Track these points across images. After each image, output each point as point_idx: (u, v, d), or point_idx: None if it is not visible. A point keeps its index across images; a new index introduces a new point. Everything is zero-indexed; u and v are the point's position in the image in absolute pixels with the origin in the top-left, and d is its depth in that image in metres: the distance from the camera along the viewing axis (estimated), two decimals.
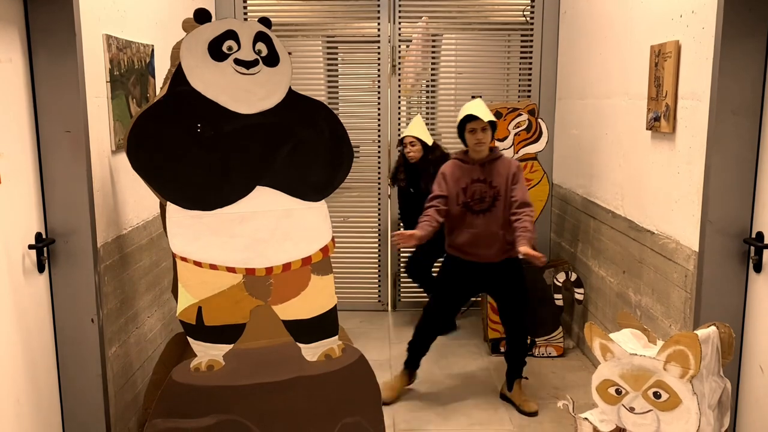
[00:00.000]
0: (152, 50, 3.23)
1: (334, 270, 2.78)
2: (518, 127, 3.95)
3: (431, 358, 3.91)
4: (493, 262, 3.38)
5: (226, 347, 2.71)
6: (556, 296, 4.05)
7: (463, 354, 4.21)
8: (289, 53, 2.63)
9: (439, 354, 4.13)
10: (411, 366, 3.65)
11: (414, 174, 4.30)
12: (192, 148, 2.51)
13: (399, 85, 4.78)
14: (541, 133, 3.97)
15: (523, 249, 3.08)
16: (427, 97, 5.11)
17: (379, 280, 4.97)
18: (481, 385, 3.77)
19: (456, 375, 3.90)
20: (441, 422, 3.36)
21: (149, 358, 3.23)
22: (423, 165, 4.23)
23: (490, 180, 3.31)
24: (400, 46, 4.74)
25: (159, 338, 3.38)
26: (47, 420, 2.55)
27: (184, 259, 2.59)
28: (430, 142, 4.29)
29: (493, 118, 3.36)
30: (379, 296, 5.00)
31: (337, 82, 4.98)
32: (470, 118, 3.28)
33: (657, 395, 2.10)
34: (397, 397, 3.54)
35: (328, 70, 4.94)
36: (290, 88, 2.61)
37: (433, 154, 4.22)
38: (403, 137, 4.30)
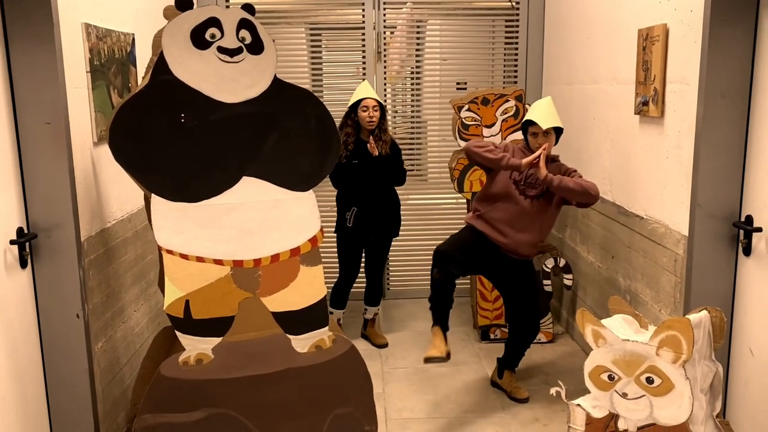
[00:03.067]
0: (133, 39, 3.16)
1: (323, 260, 2.75)
2: (506, 113, 3.93)
3: (421, 346, 3.91)
4: (511, 256, 3.29)
5: (215, 340, 2.68)
6: (545, 282, 4.05)
7: (452, 341, 4.17)
8: (273, 41, 2.58)
9: (429, 342, 4.10)
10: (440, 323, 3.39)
11: (363, 143, 3.90)
12: (176, 138, 2.46)
13: (385, 72, 4.73)
14: None
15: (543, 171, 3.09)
16: (412, 83, 5.06)
17: None
18: (471, 372, 3.77)
19: (446, 363, 3.89)
20: (432, 410, 3.35)
21: (137, 352, 3.19)
22: (378, 131, 3.90)
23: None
24: (385, 33, 4.69)
25: (146, 332, 3.33)
26: (34, 418, 2.51)
27: (170, 251, 2.55)
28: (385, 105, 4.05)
29: (558, 124, 3.21)
30: None
31: (321, 69, 4.91)
32: (531, 122, 3.20)
33: (650, 380, 2.10)
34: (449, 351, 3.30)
35: (312, 58, 4.88)
36: (276, 76, 2.56)
37: (384, 119, 3.96)
38: (360, 101, 3.86)
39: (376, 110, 3.86)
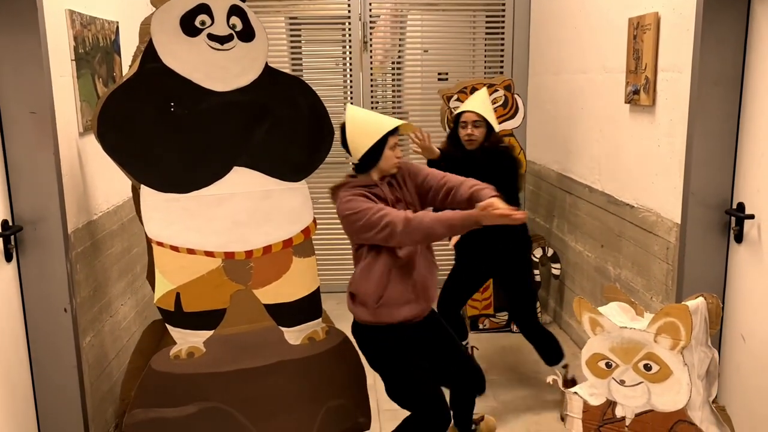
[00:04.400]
0: (117, 27, 3.08)
1: (316, 251, 2.72)
2: (495, 103, 3.92)
3: None
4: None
5: (207, 333, 2.64)
6: (534, 272, 4.06)
7: None
8: (264, 28, 2.53)
9: None
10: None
11: (460, 165, 2.87)
12: (165, 127, 2.42)
13: (371, 63, 4.69)
14: (517, 109, 3.93)
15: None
16: (393, 74, 5.03)
17: None
18: None
19: None
20: None
21: (124, 347, 3.13)
22: (481, 155, 3.12)
23: None
24: (371, 23, 4.65)
25: (134, 326, 3.27)
26: (21, 415, 2.45)
27: (160, 244, 2.50)
28: (496, 126, 3.24)
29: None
30: None
31: (301, 64, 4.82)
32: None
33: (648, 367, 2.11)
34: None
35: (292, 51, 4.79)
36: (267, 63, 2.52)
37: (490, 141, 3.18)
38: (461, 113, 3.17)
39: (477, 126, 3.12)
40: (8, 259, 2.39)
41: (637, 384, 2.14)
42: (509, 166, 3.15)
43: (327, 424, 2.75)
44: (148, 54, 2.37)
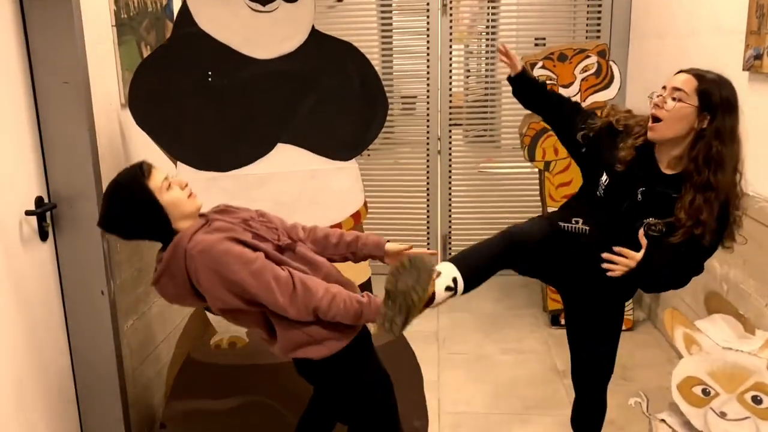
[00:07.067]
0: None
1: (378, 232, 2.45)
2: (586, 71, 3.47)
3: (483, 330, 3.58)
4: None
5: None
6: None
7: (519, 325, 3.84)
8: None
9: (492, 324, 3.78)
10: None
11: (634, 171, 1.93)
12: (202, 99, 2.21)
13: (450, 29, 4.31)
14: (612, 77, 3.47)
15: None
16: (487, 43, 4.62)
17: (428, 243, 4.61)
18: (538, 361, 3.42)
19: (510, 350, 3.55)
20: (491, 404, 3.03)
21: (177, 327, 3.01)
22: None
23: None
24: None
25: (188, 307, 3.14)
26: (58, 400, 2.36)
27: None
28: None
29: None
30: None
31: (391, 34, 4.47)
32: None
33: (757, 400, 1.71)
34: None
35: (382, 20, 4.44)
36: (314, 27, 2.24)
37: None
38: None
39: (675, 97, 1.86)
40: (44, 238, 2.27)
41: (743, 419, 1.74)
42: None
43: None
44: (183, 17, 2.16)
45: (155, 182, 1.75)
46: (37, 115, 2.23)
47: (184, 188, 1.80)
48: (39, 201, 2.24)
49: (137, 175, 1.76)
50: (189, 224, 1.78)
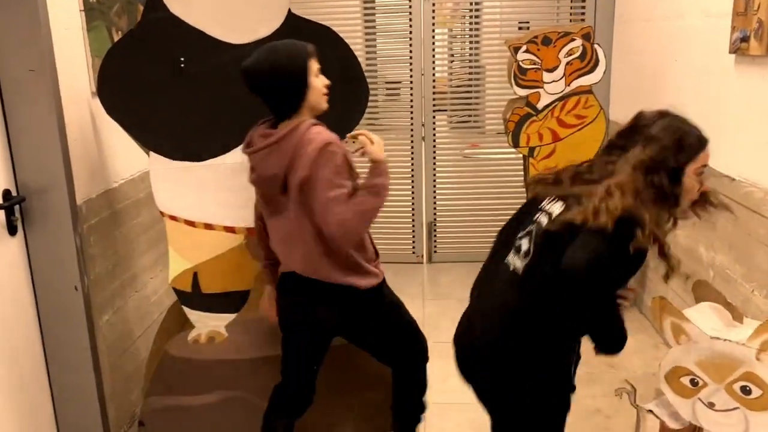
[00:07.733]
0: None
1: None
2: (570, 54, 3.41)
3: None
4: None
5: (229, 317, 2.40)
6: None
7: None
8: None
9: None
10: None
11: None
12: (174, 86, 2.12)
13: (433, 12, 4.23)
14: (597, 61, 3.42)
15: None
16: (470, 27, 4.54)
17: (413, 230, 4.57)
18: None
19: None
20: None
21: (155, 322, 2.94)
22: None
23: None
24: None
25: (167, 300, 3.07)
26: (33, 398, 2.29)
27: (173, 217, 2.26)
28: None
29: None
30: (413, 247, 4.60)
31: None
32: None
33: (746, 390, 1.68)
34: None
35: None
36: (290, 11, 2.16)
37: None
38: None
39: None
40: (12, 232, 2.19)
41: (731, 409, 1.71)
42: None
43: (363, 418, 2.47)
44: (153, 1, 2.07)
45: (313, 66, 1.89)
46: (2, 104, 2.14)
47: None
48: (6, 194, 2.15)
49: (305, 50, 1.88)
50: (310, 117, 1.89)
